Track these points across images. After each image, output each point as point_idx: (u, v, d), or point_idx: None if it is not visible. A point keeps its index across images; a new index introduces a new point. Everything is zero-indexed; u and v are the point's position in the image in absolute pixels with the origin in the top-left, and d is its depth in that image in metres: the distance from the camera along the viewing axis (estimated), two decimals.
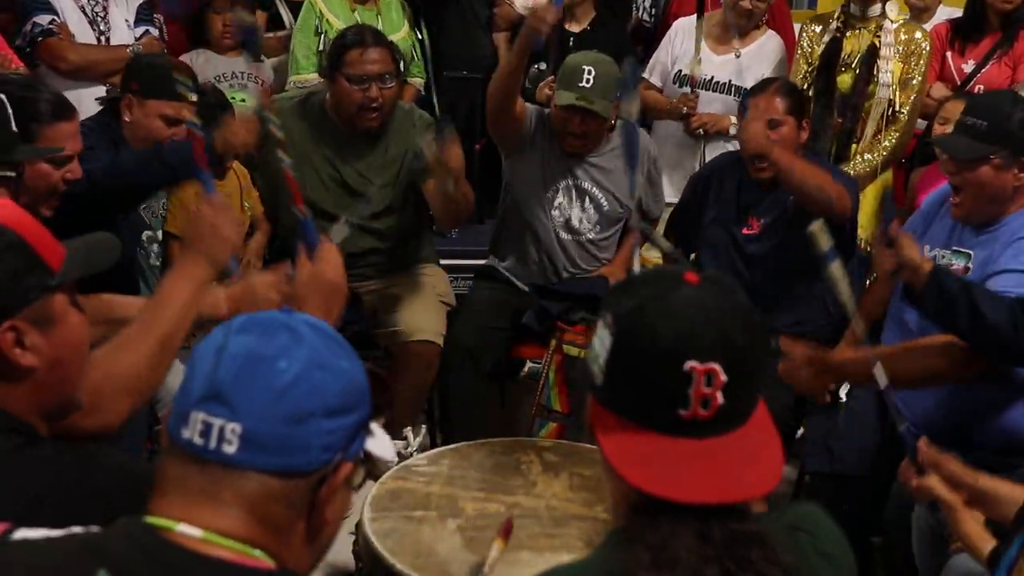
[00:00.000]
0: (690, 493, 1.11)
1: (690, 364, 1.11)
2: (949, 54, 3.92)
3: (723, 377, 1.11)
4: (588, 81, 3.18)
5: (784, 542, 1.15)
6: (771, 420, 1.19)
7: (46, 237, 1.46)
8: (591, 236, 3.46)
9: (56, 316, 1.45)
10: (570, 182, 3.40)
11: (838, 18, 3.62)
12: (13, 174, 2.20)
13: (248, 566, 1.05)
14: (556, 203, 3.42)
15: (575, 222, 3.44)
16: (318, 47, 3.95)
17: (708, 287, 1.16)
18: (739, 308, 1.16)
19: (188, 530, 1.04)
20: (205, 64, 3.90)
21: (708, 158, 3.72)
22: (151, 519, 1.06)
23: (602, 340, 1.16)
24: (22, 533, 1.08)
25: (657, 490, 1.11)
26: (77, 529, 1.09)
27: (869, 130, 3.57)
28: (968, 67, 3.88)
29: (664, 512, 1.11)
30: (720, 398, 1.11)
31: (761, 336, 1.17)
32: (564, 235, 3.45)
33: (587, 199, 3.42)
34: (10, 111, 2.22)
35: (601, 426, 1.17)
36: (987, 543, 1.75)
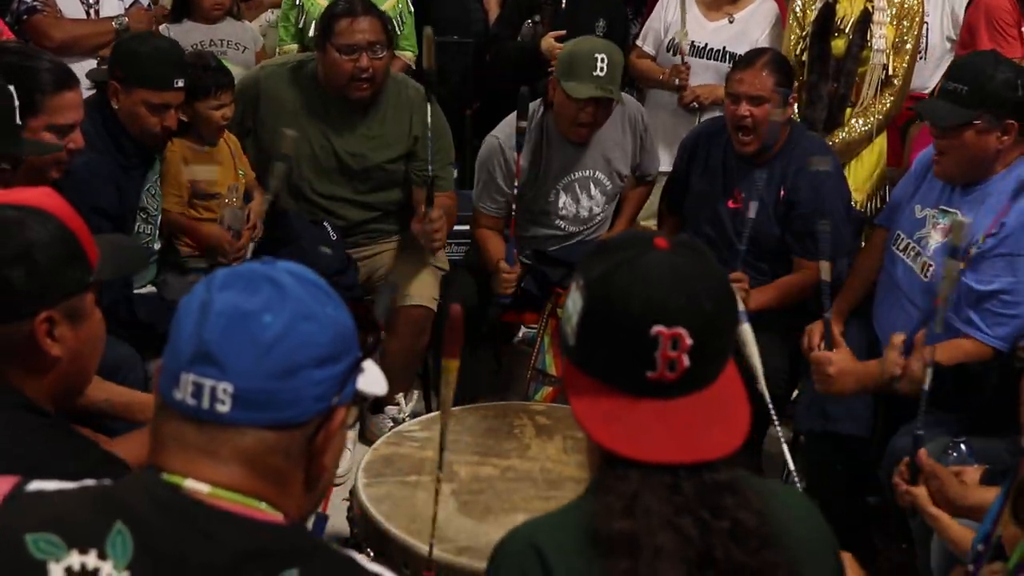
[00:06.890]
0: (653, 453, 1.14)
1: (657, 328, 1.13)
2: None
3: (689, 341, 1.14)
4: (603, 70, 3.07)
5: (756, 485, 1.19)
6: (739, 377, 1.22)
7: (88, 233, 1.48)
8: (600, 216, 3.42)
9: (86, 312, 1.48)
10: (572, 177, 3.33)
11: None
12: (9, 167, 2.14)
13: (259, 519, 1.06)
14: (560, 204, 3.35)
15: (584, 213, 3.39)
16: (296, 21, 3.91)
17: (678, 252, 1.18)
18: (708, 274, 1.18)
19: (195, 485, 1.05)
20: (184, 33, 3.84)
21: None
22: (162, 474, 1.06)
23: (574, 302, 1.19)
24: (36, 485, 1.08)
25: (622, 449, 1.15)
26: (90, 482, 1.10)
27: (865, 96, 3.54)
28: None
29: (633, 466, 1.15)
30: (686, 361, 1.14)
31: (729, 302, 1.20)
32: (573, 228, 3.40)
33: (592, 186, 3.36)
34: (16, 103, 2.14)
35: (572, 385, 1.21)
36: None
